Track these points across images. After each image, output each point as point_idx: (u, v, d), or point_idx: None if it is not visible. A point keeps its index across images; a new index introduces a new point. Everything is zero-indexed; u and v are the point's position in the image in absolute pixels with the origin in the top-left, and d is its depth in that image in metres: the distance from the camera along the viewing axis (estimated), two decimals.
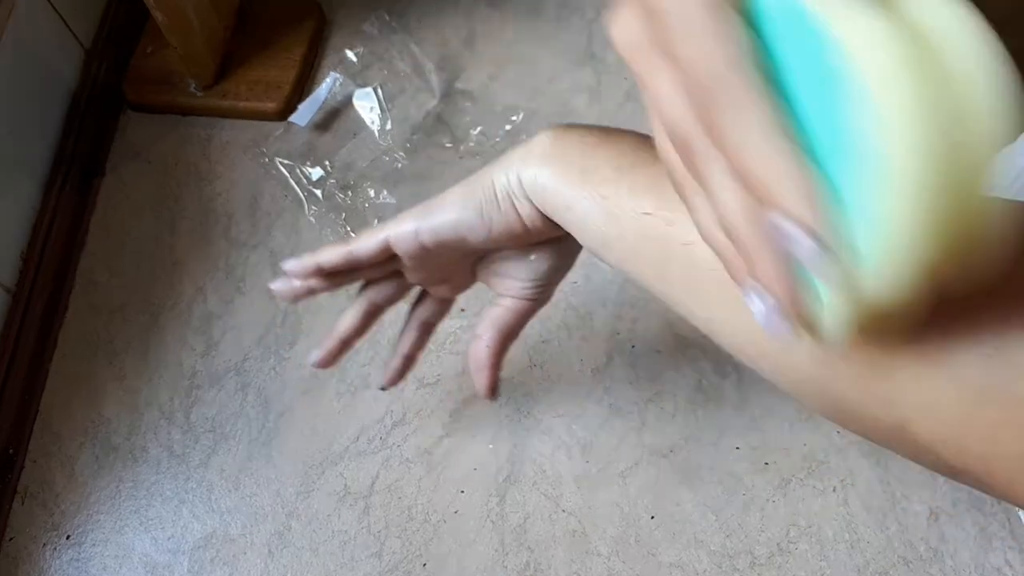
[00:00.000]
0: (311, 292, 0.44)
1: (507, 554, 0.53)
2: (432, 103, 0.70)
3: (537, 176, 0.36)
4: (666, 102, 0.22)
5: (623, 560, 0.53)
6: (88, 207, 0.68)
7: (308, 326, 0.62)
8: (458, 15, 0.75)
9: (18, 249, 0.64)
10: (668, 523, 0.54)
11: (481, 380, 0.46)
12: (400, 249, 0.41)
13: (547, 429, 0.57)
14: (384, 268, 0.43)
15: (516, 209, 0.37)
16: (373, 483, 0.56)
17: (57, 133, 0.69)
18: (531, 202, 0.36)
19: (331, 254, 0.42)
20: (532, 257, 0.42)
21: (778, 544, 0.53)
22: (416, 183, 0.67)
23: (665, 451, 0.56)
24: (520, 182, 0.36)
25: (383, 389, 0.51)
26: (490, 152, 0.67)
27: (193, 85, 0.71)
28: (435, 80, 0.70)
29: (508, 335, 0.46)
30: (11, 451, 0.58)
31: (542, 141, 0.36)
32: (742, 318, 0.28)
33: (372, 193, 0.66)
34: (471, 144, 0.67)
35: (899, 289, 0.20)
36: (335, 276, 0.43)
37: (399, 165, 0.67)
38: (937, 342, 0.24)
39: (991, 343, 0.23)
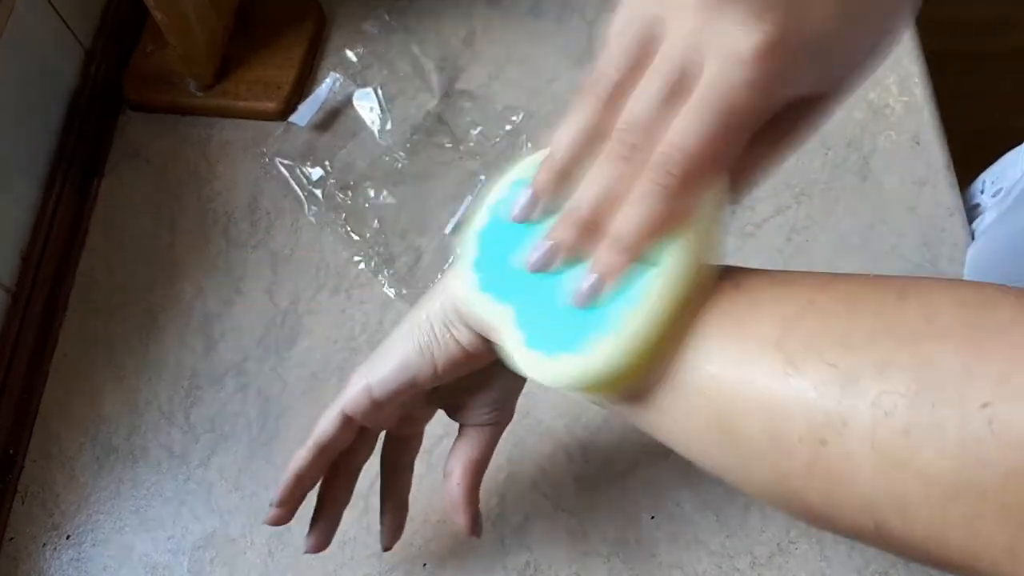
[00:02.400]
0: (304, 493, 0.44)
1: (507, 554, 0.53)
2: (432, 103, 0.70)
3: (468, 297, 0.35)
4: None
5: (623, 560, 0.53)
6: (88, 207, 0.68)
7: (308, 326, 0.62)
8: (458, 15, 0.75)
9: (17, 249, 0.64)
10: (668, 523, 0.54)
11: (459, 520, 0.45)
12: (357, 413, 0.41)
13: (547, 429, 0.57)
14: (351, 435, 0.43)
15: (455, 337, 0.37)
16: (373, 483, 0.56)
17: (56, 133, 0.69)
18: (467, 326, 0.36)
19: (302, 458, 0.43)
20: (483, 381, 0.42)
21: (778, 544, 0.53)
22: (416, 183, 0.67)
23: (665, 451, 0.55)
24: (454, 307, 0.36)
25: (387, 550, 0.49)
26: (490, 152, 0.67)
27: (193, 85, 0.71)
28: (435, 80, 0.70)
29: (477, 467, 0.45)
30: (11, 451, 0.58)
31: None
32: None
33: (372, 193, 0.66)
34: (471, 144, 0.67)
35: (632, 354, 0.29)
36: (321, 473, 0.44)
37: (399, 165, 0.67)
38: (900, 441, 0.24)
39: (951, 435, 0.23)
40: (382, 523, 0.49)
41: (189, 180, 0.69)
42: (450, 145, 0.68)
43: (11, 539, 0.56)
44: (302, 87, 0.72)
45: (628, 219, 0.30)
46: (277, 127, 0.70)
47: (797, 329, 0.27)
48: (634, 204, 0.30)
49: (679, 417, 0.31)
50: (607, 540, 0.53)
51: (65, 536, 0.56)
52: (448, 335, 0.37)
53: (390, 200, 0.66)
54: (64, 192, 0.67)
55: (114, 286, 0.65)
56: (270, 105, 0.70)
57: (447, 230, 0.65)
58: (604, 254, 0.31)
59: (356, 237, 0.64)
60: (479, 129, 0.68)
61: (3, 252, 0.63)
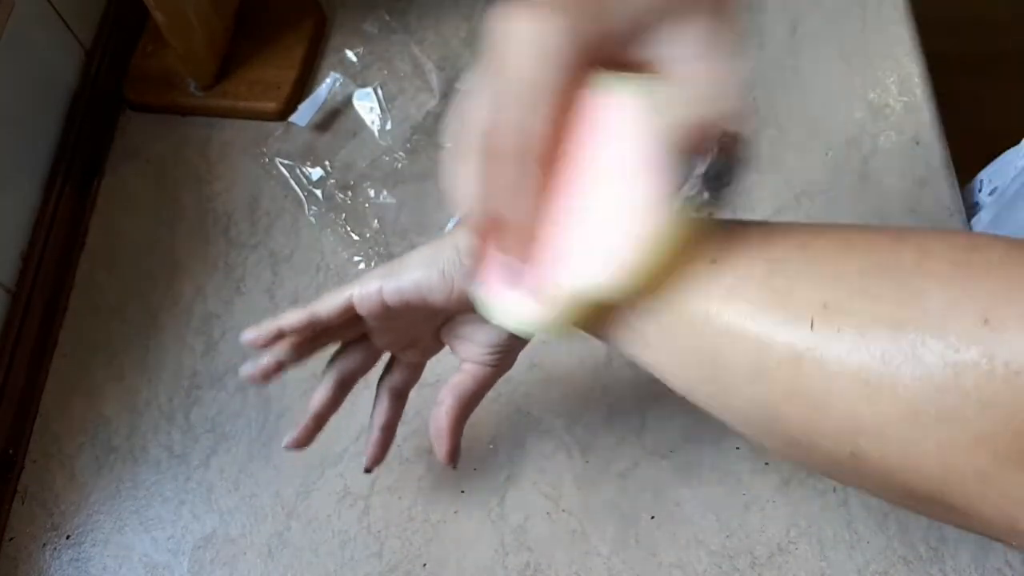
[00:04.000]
0: (280, 367, 0.43)
1: (507, 554, 0.53)
2: (432, 103, 0.70)
3: None
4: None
5: (623, 560, 0.53)
6: (88, 207, 0.68)
7: None
8: (458, 15, 0.75)
9: (18, 249, 0.64)
10: (668, 523, 0.54)
11: (440, 447, 0.46)
12: (364, 309, 0.41)
13: (547, 429, 0.57)
14: (349, 332, 0.43)
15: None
16: (373, 483, 0.56)
17: (57, 133, 0.69)
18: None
19: (293, 317, 0.42)
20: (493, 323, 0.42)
21: (778, 544, 0.53)
22: (416, 183, 0.67)
23: (665, 451, 0.56)
24: None
25: (368, 471, 0.50)
26: None
27: (193, 85, 0.71)
28: (435, 80, 0.70)
29: (469, 402, 0.46)
30: (11, 451, 0.58)
31: None
32: None
33: (372, 193, 0.66)
34: None
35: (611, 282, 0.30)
36: (301, 345, 0.43)
37: (399, 165, 0.67)
38: (878, 366, 0.24)
39: (931, 362, 0.24)
40: (368, 443, 0.49)
41: (189, 180, 0.69)
42: (450, 145, 0.68)
43: (11, 539, 0.56)
44: (302, 87, 0.72)
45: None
46: (277, 127, 0.70)
47: (786, 269, 0.28)
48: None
49: (665, 349, 0.31)
50: (607, 540, 0.53)
51: (65, 536, 0.56)
52: (457, 265, 0.38)
53: (390, 200, 0.66)
54: (64, 192, 0.67)
55: (114, 286, 0.65)
56: (270, 105, 0.70)
57: (447, 230, 0.65)
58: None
59: (356, 237, 0.64)
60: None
61: (3, 252, 0.63)
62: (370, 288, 0.40)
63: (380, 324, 0.42)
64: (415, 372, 0.49)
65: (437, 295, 0.39)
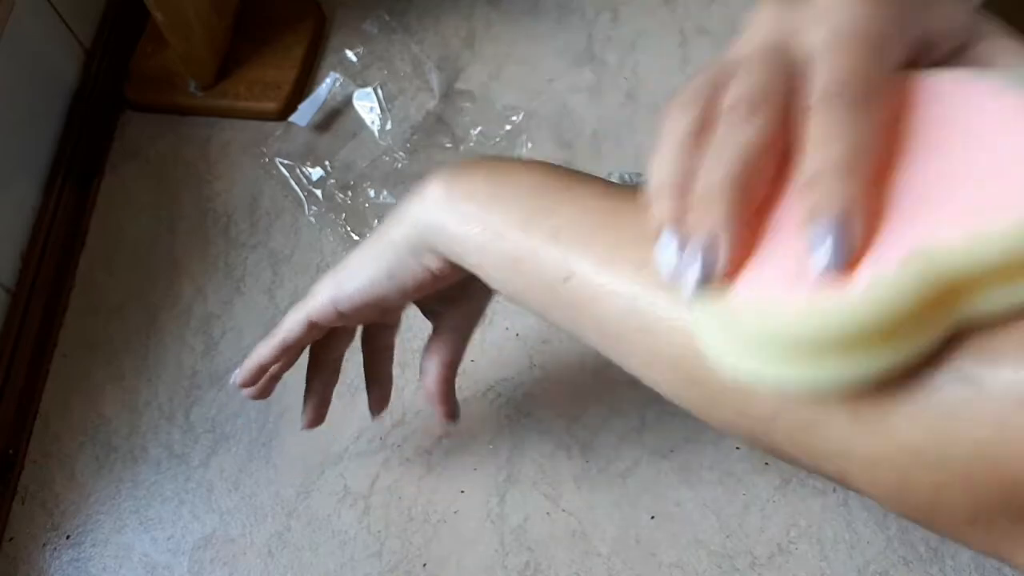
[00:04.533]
0: (273, 380, 0.47)
1: (507, 554, 0.53)
2: (432, 103, 0.70)
3: (437, 226, 0.36)
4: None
5: (623, 560, 0.53)
6: (88, 207, 0.68)
7: None
8: (458, 15, 0.75)
9: (18, 249, 0.64)
10: (668, 523, 0.54)
11: (438, 411, 0.48)
12: (325, 321, 0.42)
13: (547, 429, 0.57)
14: (322, 331, 0.45)
15: (423, 263, 0.38)
16: (373, 483, 0.56)
17: (57, 133, 0.69)
18: (436, 253, 0.37)
19: (265, 351, 0.44)
20: (457, 291, 0.42)
21: (778, 544, 0.53)
22: (416, 183, 0.67)
23: (665, 451, 0.56)
24: (421, 236, 0.37)
25: (375, 418, 0.52)
26: (490, 151, 0.67)
27: (193, 85, 0.71)
28: (435, 80, 0.70)
29: (451, 366, 0.48)
30: (11, 451, 0.58)
31: (435, 189, 0.36)
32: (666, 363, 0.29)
33: (372, 193, 0.66)
34: (471, 144, 0.67)
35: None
36: (285, 364, 0.46)
37: (399, 165, 0.67)
38: (874, 401, 0.23)
39: (925, 403, 0.23)
40: (369, 395, 0.51)
41: (189, 180, 0.69)
42: (450, 145, 0.68)
43: (11, 539, 0.56)
44: (302, 87, 0.72)
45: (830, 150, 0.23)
46: (277, 127, 0.70)
47: None
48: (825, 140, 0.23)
49: (644, 358, 0.31)
50: (607, 540, 0.53)
51: (65, 536, 0.56)
52: (416, 260, 0.38)
53: (390, 200, 0.66)
54: (64, 192, 0.67)
55: (114, 286, 0.65)
56: (270, 105, 0.70)
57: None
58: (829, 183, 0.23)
59: (356, 237, 0.64)
60: (479, 129, 0.68)
61: (3, 252, 0.63)
62: (323, 303, 0.41)
63: (346, 321, 0.43)
64: (394, 327, 0.50)
65: (389, 295, 0.39)
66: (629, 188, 0.32)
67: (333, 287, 0.41)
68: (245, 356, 0.61)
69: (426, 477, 0.56)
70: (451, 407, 0.49)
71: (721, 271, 0.24)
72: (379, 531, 0.55)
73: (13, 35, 0.64)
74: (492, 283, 0.35)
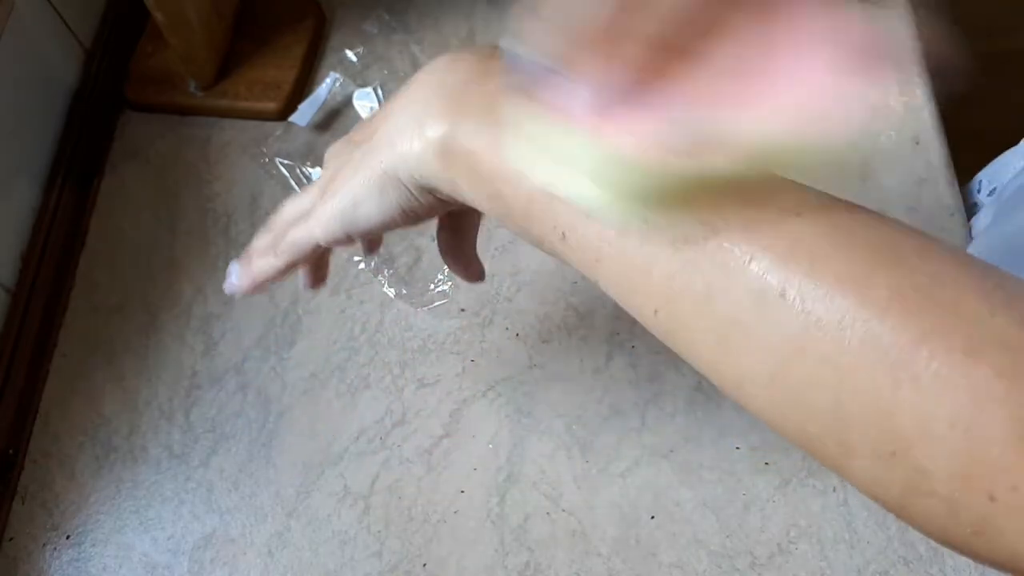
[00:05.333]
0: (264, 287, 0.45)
1: (507, 554, 0.53)
2: None
3: (445, 181, 0.34)
4: None
5: (623, 560, 0.53)
6: (88, 207, 0.68)
7: (308, 326, 0.62)
8: (458, 15, 0.75)
9: (18, 249, 0.64)
10: (668, 523, 0.54)
11: (463, 275, 0.47)
12: (333, 246, 0.40)
13: (547, 429, 0.57)
14: None
15: (437, 199, 0.36)
16: (373, 483, 0.56)
17: (57, 133, 0.69)
18: (455, 182, 0.34)
19: (270, 269, 0.43)
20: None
21: (778, 544, 0.53)
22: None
23: (665, 451, 0.56)
24: (430, 185, 0.35)
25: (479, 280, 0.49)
26: None
27: (193, 85, 0.71)
28: None
29: (468, 250, 0.46)
30: (11, 451, 0.58)
31: (435, 115, 0.34)
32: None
33: None
34: None
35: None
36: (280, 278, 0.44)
37: None
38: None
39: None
40: (459, 274, 0.48)
41: (189, 180, 0.69)
42: None
43: (11, 539, 0.56)
44: (302, 87, 0.72)
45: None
46: (277, 127, 0.70)
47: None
48: None
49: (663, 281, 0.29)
50: (607, 540, 0.53)
51: (65, 536, 0.56)
52: (429, 195, 0.36)
53: None
54: (64, 192, 0.67)
55: (114, 286, 0.65)
56: (270, 105, 0.70)
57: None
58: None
59: None
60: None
61: (3, 252, 0.63)
62: (334, 233, 0.39)
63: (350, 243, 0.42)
64: (468, 218, 0.47)
65: (400, 224, 0.38)
66: None
67: (341, 219, 0.38)
68: (245, 356, 0.61)
69: (426, 477, 0.56)
70: (476, 272, 0.47)
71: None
72: (379, 531, 0.55)
73: (13, 35, 0.64)
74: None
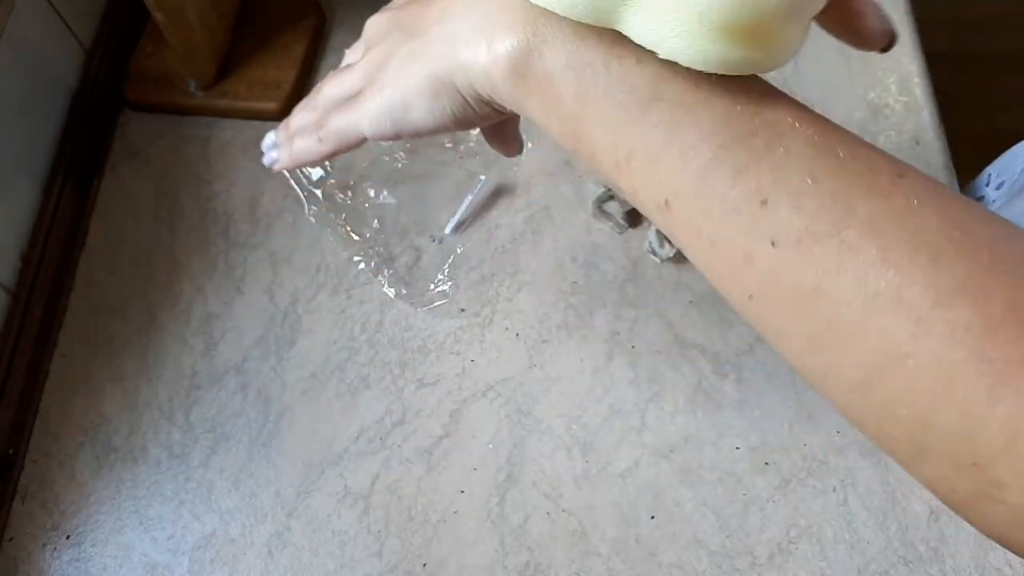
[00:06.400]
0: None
1: (507, 554, 0.53)
2: None
3: (520, 105, 0.31)
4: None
5: (623, 560, 0.53)
6: (88, 207, 0.68)
7: (308, 326, 0.62)
8: None
9: (18, 249, 0.64)
10: (668, 523, 0.54)
11: (507, 155, 0.45)
12: (378, 139, 0.38)
13: (547, 429, 0.57)
14: None
15: (494, 109, 0.33)
16: (373, 483, 0.56)
17: (57, 133, 0.69)
18: (526, 106, 0.32)
19: (314, 154, 0.40)
20: None
21: (778, 544, 0.53)
22: (416, 183, 0.67)
23: (665, 451, 0.56)
24: (475, 92, 0.32)
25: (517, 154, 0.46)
26: (490, 152, 0.67)
27: (193, 85, 0.71)
28: None
29: (511, 129, 0.43)
30: (11, 451, 0.58)
31: (506, 24, 0.30)
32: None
33: (372, 193, 0.66)
34: (471, 144, 0.67)
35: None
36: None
37: (399, 165, 0.67)
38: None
39: None
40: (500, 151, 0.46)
41: (189, 180, 0.69)
42: (450, 145, 0.68)
43: (11, 539, 0.56)
44: (302, 87, 0.72)
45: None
46: (278, 127, 0.70)
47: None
48: None
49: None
50: (607, 540, 0.53)
51: (65, 536, 0.56)
52: (487, 107, 0.33)
53: (390, 200, 0.66)
54: (64, 192, 0.67)
55: (114, 286, 0.65)
56: (270, 105, 0.70)
57: (447, 230, 0.65)
58: None
59: (356, 237, 0.64)
60: (478, 129, 0.68)
61: (3, 253, 0.63)
62: (384, 131, 0.37)
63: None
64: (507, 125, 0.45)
65: (454, 130, 0.36)
66: None
67: (391, 117, 0.36)
68: (245, 356, 0.61)
69: (426, 477, 0.56)
70: (515, 147, 0.44)
71: None
72: (379, 531, 0.55)
73: (13, 35, 0.64)
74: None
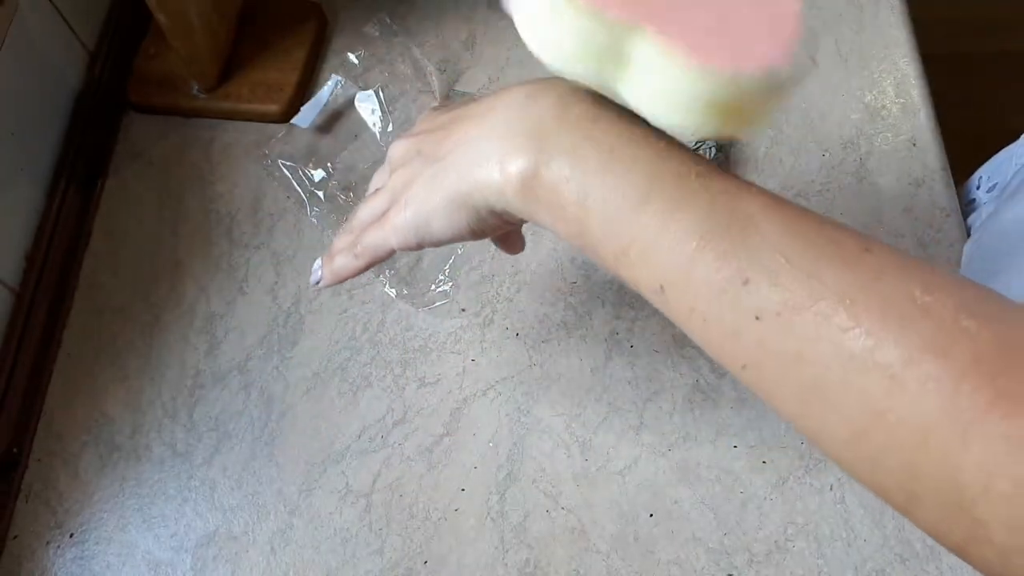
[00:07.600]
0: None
1: (507, 551, 0.54)
2: (433, 105, 0.70)
3: (527, 213, 0.36)
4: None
5: (622, 557, 0.53)
6: (91, 208, 0.69)
7: (310, 326, 0.63)
8: (459, 17, 0.76)
9: (22, 250, 0.64)
10: (666, 521, 0.54)
11: (511, 253, 0.50)
12: (404, 250, 0.43)
13: (547, 428, 0.57)
14: None
15: (505, 220, 0.38)
16: (374, 481, 0.57)
17: (60, 135, 0.70)
18: (535, 214, 0.36)
19: (351, 269, 0.45)
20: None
21: (776, 542, 0.53)
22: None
23: (663, 449, 0.56)
24: (488, 206, 0.37)
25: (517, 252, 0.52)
26: None
27: (196, 87, 0.72)
28: (436, 82, 0.71)
29: (516, 232, 0.49)
30: (15, 450, 0.59)
31: (517, 149, 0.35)
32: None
33: None
34: None
35: None
36: None
37: None
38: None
39: None
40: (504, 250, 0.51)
41: (192, 181, 0.70)
42: None
43: (15, 537, 0.57)
44: (304, 89, 0.73)
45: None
46: (279, 129, 0.70)
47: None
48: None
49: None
50: (606, 538, 0.54)
51: (68, 534, 0.57)
52: (498, 218, 0.38)
53: None
54: (68, 194, 0.68)
55: (117, 287, 0.66)
56: (272, 107, 0.71)
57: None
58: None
59: None
60: None
61: (8, 253, 0.63)
62: (409, 243, 0.41)
63: None
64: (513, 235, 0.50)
65: (469, 239, 0.40)
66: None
67: (415, 232, 0.40)
68: (248, 355, 0.62)
69: (427, 475, 0.57)
70: (518, 246, 0.50)
71: None
72: (380, 529, 0.55)
73: (17, 37, 0.64)
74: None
